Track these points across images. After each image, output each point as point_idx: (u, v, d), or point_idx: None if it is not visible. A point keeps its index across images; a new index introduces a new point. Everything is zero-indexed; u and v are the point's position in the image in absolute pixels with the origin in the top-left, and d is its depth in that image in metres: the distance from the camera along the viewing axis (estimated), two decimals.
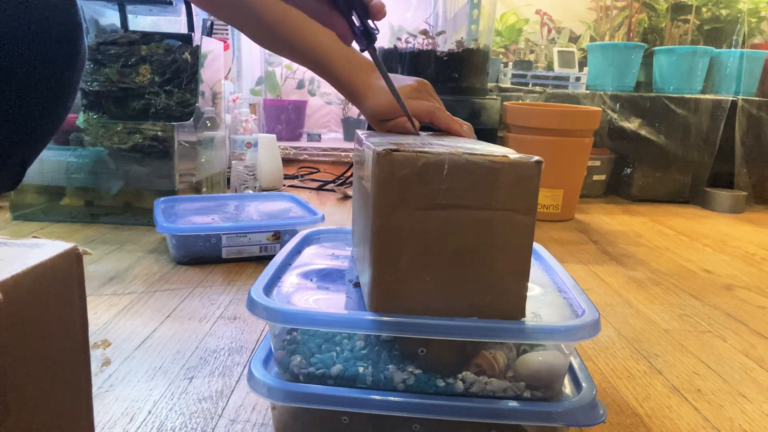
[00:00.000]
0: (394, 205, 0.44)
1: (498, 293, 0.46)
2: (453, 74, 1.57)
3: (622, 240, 1.42)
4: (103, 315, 0.81)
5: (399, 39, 1.60)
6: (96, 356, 0.69)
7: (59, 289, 0.32)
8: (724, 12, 2.13)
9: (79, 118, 1.30)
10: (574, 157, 1.62)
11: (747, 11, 2.09)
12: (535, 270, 0.63)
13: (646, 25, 2.20)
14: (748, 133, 1.94)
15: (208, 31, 1.54)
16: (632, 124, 1.94)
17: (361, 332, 0.49)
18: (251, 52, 2.56)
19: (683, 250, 1.34)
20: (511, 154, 0.45)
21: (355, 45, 0.66)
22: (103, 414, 0.57)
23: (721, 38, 2.11)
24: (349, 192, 1.83)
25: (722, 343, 0.82)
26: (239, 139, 1.98)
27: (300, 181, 2.05)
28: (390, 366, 0.48)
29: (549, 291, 0.58)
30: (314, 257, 0.67)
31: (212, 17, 1.52)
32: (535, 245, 0.65)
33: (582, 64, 2.17)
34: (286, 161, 2.19)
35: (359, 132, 0.62)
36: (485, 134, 1.56)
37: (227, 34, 2.28)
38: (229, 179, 1.76)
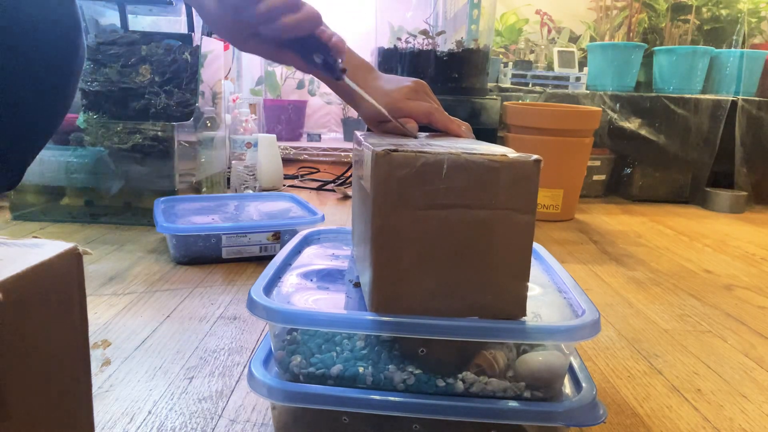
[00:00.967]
0: (394, 206, 0.44)
1: (498, 292, 0.46)
2: (453, 74, 1.57)
3: (622, 240, 1.42)
4: (103, 315, 0.81)
5: (399, 39, 1.60)
6: (96, 356, 0.69)
7: (59, 289, 0.32)
8: (724, 12, 2.13)
9: (79, 118, 1.30)
10: (574, 157, 1.63)
11: (747, 11, 2.09)
12: (535, 270, 0.63)
13: (646, 25, 2.20)
14: (748, 133, 1.93)
15: (208, 31, 1.54)
16: (632, 124, 1.94)
17: (361, 332, 0.49)
18: None
19: (683, 250, 1.34)
20: (510, 153, 0.45)
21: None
22: (103, 414, 0.57)
23: (721, 38, 2.11)
24: (349, 192, 1.83)
25: (722, 343, 0.82)
26: (239, 139, 1.98)
27: (300, 181, 2.06)
28: (390, 366, 0.48)
29: (549, 291, 0.58)
30: (314, 257, 0.67)
31: None
32: (535, 245, 0.65)
33: (582, 64, 2.17)
34: (286, 161, 2.19)
35: (358, 133, 0.62)
36: (485, 134, 1.56)
37: None
38: (229, 179, 1.76)
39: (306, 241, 0.72)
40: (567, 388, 0.52)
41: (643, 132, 1.93)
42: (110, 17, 1.48)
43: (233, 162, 1.75)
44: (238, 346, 0.74)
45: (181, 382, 0.64)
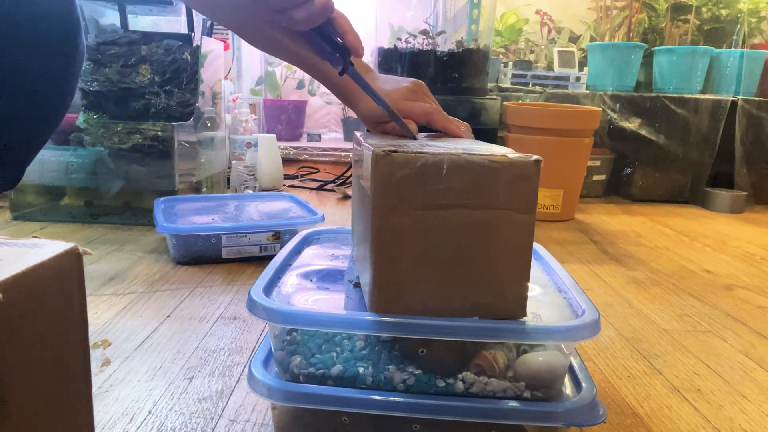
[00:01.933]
0: (394, 206, 0.44)
1: (498, 292, 0.46)
2: (453, 74, 1.57)
3: (622, 240, 1.42)
4: (103, 315, 0.81)
5: (399, 39, 1.60)
6: (96, 356, 0.69)
7: (59, 289, 0.32)
8: (724, 12, 2.13)
9: (79, 118, 1.30)
10: (574, 157, 1.62)
11: (747, 11, 2.09)
12: (535, 270, 0.63)
13: (646, 25, 2.20)
14: (748, 133, 1.93)
15: (208, 31, 1.54)
16: (632, 124, 1.94)
17: (361, 333, 0.49)
18: (251, 52, 2.56)
19: (683, 250, 1.34)
20: (510, 153, 0.45)
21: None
22: (103, 414, 0.57)
23: (721, 38, 2.11)
24: (349, 192, 1.83)
25: (722, 343, 0.82)
26: (239, 139, 1.98)
27: (300, 181, 2.05)
28: (390, 366, 0.48)
29: (549, 291, 0.58)
30: (314, 257, 0.67)
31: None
32: (535, 245, 0.65)
33: (582, 64, 2.17)
34: (286, 161, 2.19)
35: (357, 133, 0.62)
36: (485, 134, 1.56)
37: (227, 34, 2.28)
38: (229, 179, 1.76)
39: (306, 241, 0.72)
40: (567, 388, 0.52)
41: (643, 132, 1.93)
42: (110, 17, 1.48)
43: (233, 162, 1.75)
44: (238, 346, 0.74)
45: (181, 382, 0.64)
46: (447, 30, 1.69)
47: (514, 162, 0.44)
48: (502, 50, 2.35)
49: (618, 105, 1.94)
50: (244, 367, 0.68)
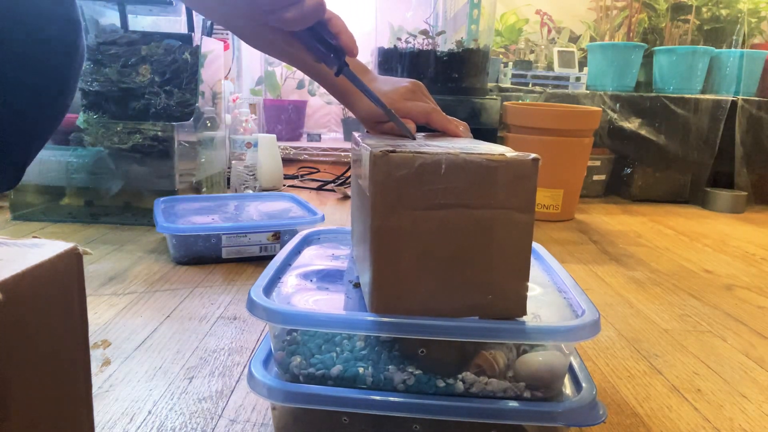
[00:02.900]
0: (393, 206, 0.44)
1: (498, 291, 0.46)
2: (453, 74, 1.57)
3: (622, 240, 1.42)
4: (103, 315, 0.81)
5: (399, 39, 1.60)
6: (96, 356, 0.69)
7: (59, 289, 0.32)
8: (724, 12, 2.13)
9: (79, 118, 1.30)
10: (574, 157, 1.62)
11: (747, 11, 2.09)
12: (535, 270, 0.63)
13: (646, 25, 2.20)
14: (748, 133, 1.93)
15: (208, 31, 1.54)
16: (632, 124, 1.94)
17: (361, 333, 0.49)
18: (251, 52, 2.56)
19: (683, 250, 1.34)
20: (509, 152, 0.45)
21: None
22: (103, 414, 0.57)
23: (721, 38, 2.11)
24: (349, 192, 1.83)
25: (722, 343, 0.82)
26: (239, 139, 1.98)
27: (300, 181, 2.05)
28: (390, 366, 0.48)
29: (549, 291, 0.58)
30: (314, 258, 0.67)
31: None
32: (535, 245, 0.65)
33: (582, 64, 2.17)
34: (286, 161, 2.19)
35: (356, 134, 0.62)
36: (485, 134, 1.56)
37: (227, 34, 2.28)
38: (229, 179, 1.76)
39: (306, 242, 0.72)
40: (567, 388, 0.52)
41: (643, 132, 1.93)
42: (110, 17, 1.48)
43: (233, 162, 1.75)
44: (238, 346, 0.74)
45: (181, 382, 0.64)
46: (447, 30, 1.69)
47: (512, 161, 0.44)
48: (502, 50, 2.35)
49: (618, 105, 1.94)
50: (244, 367, 0.68)
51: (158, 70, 1.34)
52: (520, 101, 1.93)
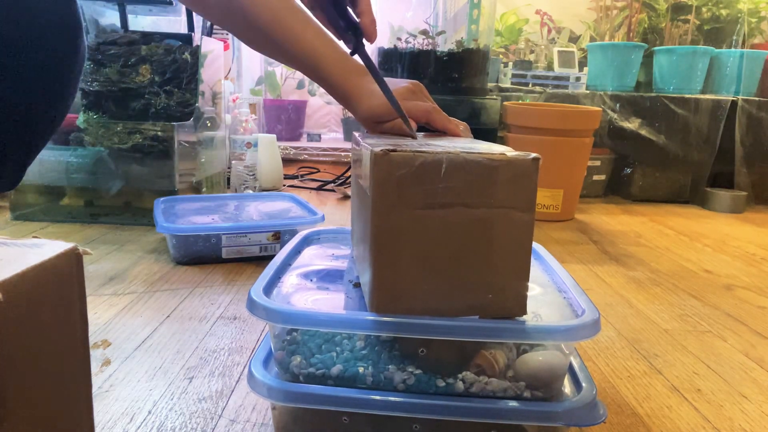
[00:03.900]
0: (393, 206, 0.44)
1: (499, 291, 0.46)
2: (453, 74, 1.57)
3: (622, 240, 1.42)
4: (103, 315, 0.81)
5: (399, 39, 1.60)
6: (96, 356, 0.69)
7: (59, 289, 0.32)
8: (724, 12, 2.13)
9: (79, 118, 1.30)
10: (574, 157, 1.62)
11: (747, 11, 2.09)
12: (535, 270, 0.63)
13: (646, 25, 2.20)
14: (748, 133, 1.93)
15: (208, 31, 1.54)
16: (632, 124, 1.94)
17: (361, 332, 0.49)
18: (251, 52, 2.56)
19: (683, 250, 1.34)
20: (509, 151, 0.45)
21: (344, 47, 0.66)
22: (103, 414, 0.57)
23: (721, 38, 2.11)
24: (349, 192, 1.83)
25: (722, 343, 0.82)
26: (239, 139, 1.98)
27: (300, 181, 2.05)
28: (390, 366, 0.48)
29: (549, 291, 0.58)
30: (314, 257, 0.67)
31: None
32: (535, 245, 0.65)
33: (582, 64, 2.17)
34: (286, 161, 2.19)
35: (356, 134, 0.62)
36: (485, 134, 1.56)
37: (227, 34, 2.28)
38: (229, 179, 1.76)
39: (306, 241, 0.72)
40: (567, 388, 0.52)
41: (643, 132, 1.93)
42: (110, 17, 1.48)
43: (233, 162, 1.75)
44: (238, 346, 0.74)
45: (181, 382, 0.64)
46: (447, 30, 1.69)
47: (513, 160, 0.44)
48: (502, 50, 2.35)
49: (618, 105, 1.94)
50: (244, 367, 0.68)
51: (158, 70, 1.34)
52: (520, 101, 1.93)
